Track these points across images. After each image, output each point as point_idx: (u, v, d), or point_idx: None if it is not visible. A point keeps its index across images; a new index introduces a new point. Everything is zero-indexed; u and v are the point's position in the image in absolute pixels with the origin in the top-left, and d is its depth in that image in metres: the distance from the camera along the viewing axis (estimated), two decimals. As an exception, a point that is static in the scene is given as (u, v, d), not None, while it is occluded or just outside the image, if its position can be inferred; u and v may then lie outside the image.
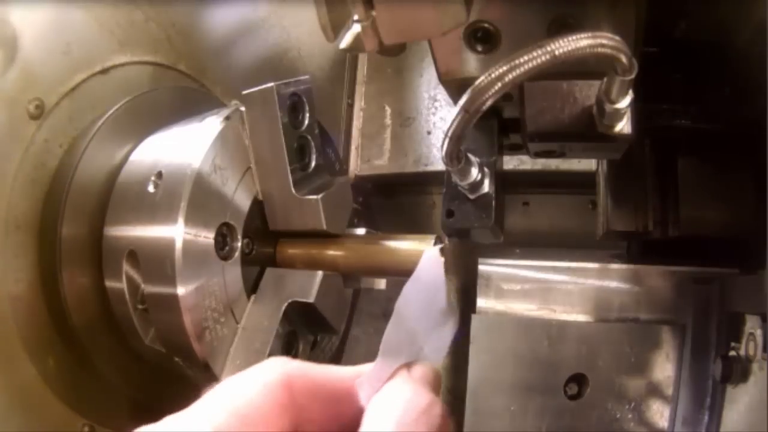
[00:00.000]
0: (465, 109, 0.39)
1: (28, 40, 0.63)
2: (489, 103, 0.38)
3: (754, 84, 0.57)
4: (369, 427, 0.30)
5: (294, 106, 0.66)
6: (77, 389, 0.67)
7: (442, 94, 1.22)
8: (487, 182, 0.56)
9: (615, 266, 0.86)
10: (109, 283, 0.66)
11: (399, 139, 1.24)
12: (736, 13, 0.58)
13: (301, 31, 1.07)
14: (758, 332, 0.65)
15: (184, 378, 0.65)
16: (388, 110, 1.26)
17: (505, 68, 0.36)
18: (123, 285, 0.64)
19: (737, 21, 0.59)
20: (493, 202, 0.56)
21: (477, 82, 0.37)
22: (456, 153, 0.46)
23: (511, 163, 1.08)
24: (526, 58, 0.35)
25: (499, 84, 0.36)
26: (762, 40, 0.51)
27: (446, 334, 0.35)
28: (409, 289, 0.34)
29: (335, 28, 0.39)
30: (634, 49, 0.44)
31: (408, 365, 0.33)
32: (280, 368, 0.32)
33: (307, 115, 0.68)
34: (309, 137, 0.68)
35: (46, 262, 0.64)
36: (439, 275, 0.34)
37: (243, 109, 0.65)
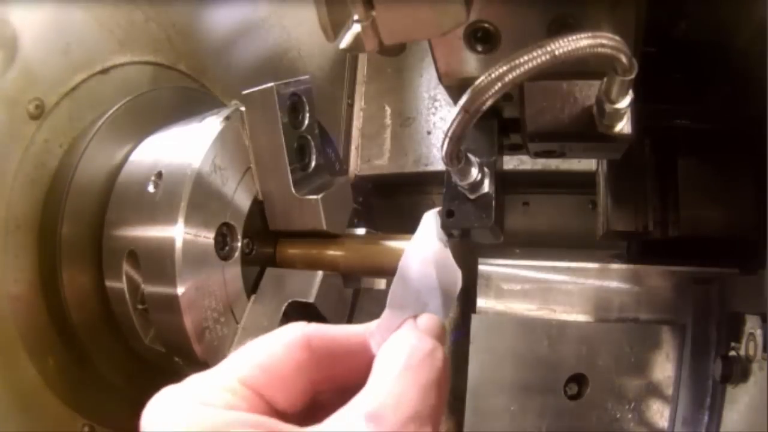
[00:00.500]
0: (465, 109, 0.38)
1: (28, 40, 0.63)
2: (489, 103, 0.38)
3: (754, 84, 0.57)
4: (378, 370, 0.32)
5: (294, 106, 0.66)
6: (77, 389, 0.67)
7: (442, 94, 1.22)
8: (487, 182, 0.56)
9: (615, 266, 0.86)
10: (109, 283, 0.66)
11: (399, 139, 1.24)
12: (736, 13, 0.58)
13: (301, 31, 1.07)
14: (758, 332, 0.65)
15: (183, 378, 0.64)
16: (388, 110, 1.26)
17: (505, 68, 0.36)
18: (123, 285, 0.64)
19: (737, 21, 0.59)
20: (493, 202, 0.56)
21: (477, 83, 0.37)
22: (456, 153, 0.46)
23: (511, 163, 1.08)
24: (526, 58, 0.35)
25: (499, 84, 0.36)
26: (762, 39, 0.51)
27: (451, 291, 0.37)
28: (410, 249, 0.37)
29: (335, 28, 0.39)
30: (634, 49, 0.44)
31: (414, 317, 0.36)
32: (299, 330, 0.35)
33: (307, 115, 0.68)
34: (309, 137, 0.68)
35: (46, 262, 0.64)
36: (437, 236, 0.37)
37: (243, 109, 0.65)
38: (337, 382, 0.35)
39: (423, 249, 0.37)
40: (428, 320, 0.36)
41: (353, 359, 0.35)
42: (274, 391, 0.32)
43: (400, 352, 0.33)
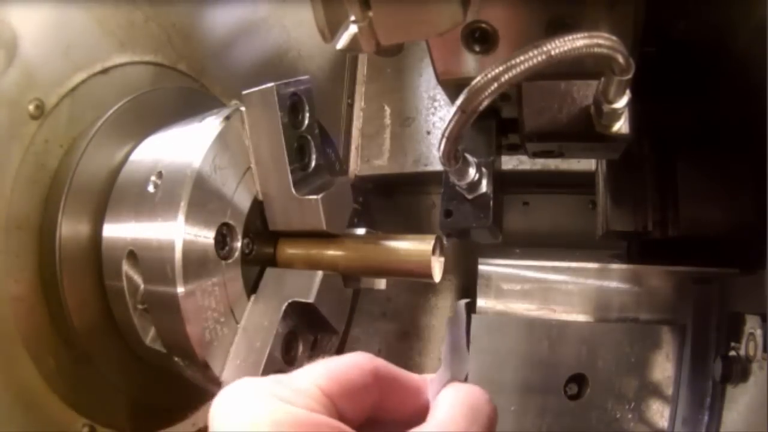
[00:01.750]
0: (462, 110, 0.39)
1: (28, 40, 0.63)
2: (485, 103, 0.38)
3: (753, 84, 0.57)
4: (444, 405, 0.36)
5: (294, 106, 0.66)
6: (77, 389, 0.67)
7: (441, 94, 1.22)
8: (485, 182, 0.56)
9: (615, 266, 0.87)
10: (109, 283, 0.66)
11: (398, 139, 1.24)
12: (735, 14, 0.58)
13: (301, 31, 1.07)
14: (758, 332, 0.65)
15: (184, 378, 0.65)
16: (388, 110, 1.26)
17: (501, 68, 0.36)
18: (123, 285, 0.64)
19: (736, 21, 0.59)
20: (491, 202, 0.56)
21: (473, 83, 0.37)
22: (453, 153, 0.46)
23: (510, 162, 1.08)
24: (522, 58, 0.35)
25: (496, 84, 0.36)
26: (761, 40, 0.51)
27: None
28: (457, 323, 0.40)
29: (332, 29, 0.39)
30: (632, 49, 0.44)
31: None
32: (371, 359, 0.38)
33: (307, 115, 0.68)
34: (309, 137, 0.68)
35: (47, 262, 0.64)
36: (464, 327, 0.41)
37: (243, 109, 0.65)
38: (391, 413, 0.38)
39: (461, 327, 0.40)
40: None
41: (409, 398, 0.39)
42: (345, 404, 0.35)
43: (465, 396, 0.36)
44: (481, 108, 0.38)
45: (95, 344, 0.67)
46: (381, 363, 0.38)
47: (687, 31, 0.64)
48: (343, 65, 1.26)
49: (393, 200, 1.32)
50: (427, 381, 0.40)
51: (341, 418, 0.34)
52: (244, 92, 0.65)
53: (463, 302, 0.40)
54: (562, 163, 1.09)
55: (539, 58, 0.35)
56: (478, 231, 0.60)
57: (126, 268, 0.64)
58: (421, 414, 0.37)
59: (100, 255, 0.66)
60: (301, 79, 0.67)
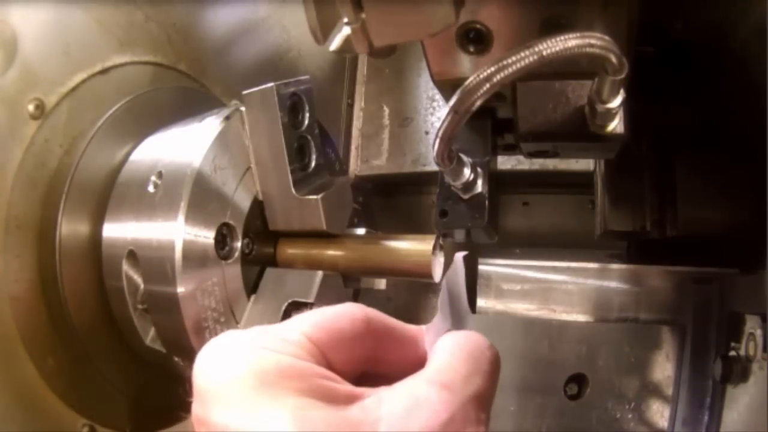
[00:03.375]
0: (454, 110, 0.39)
1: (28, 40, 0.63)
2: (478, 104, 0.38)
3: (752, 83, 0.57)
4: (444, 352, 0.34)
5: (294, 106, 0.66)
6: (77, 389, 0.67)
7: (440, 94, 1.22)
8: (480, 182, 0.56)
9: (615, 266, 0.86)
10: (109, 283, 0.66)
11: (397, 139, 1.24)
12: (732, 13, 0.58)
13: (301, 31, 1.07)
14: (758, 332, 0.65)
15: (184, 378, 0.64)
16: (387, 110, 1.26)
17: (493, 69, 0.36)
18: (123, 285, 0.64)
19: (733, 20, 0.59)
20: (486, 202, 0.55)
21: (466, 83, 0.37)
22: (447, 153, 0.46)
23: (509, 162, 1.08)
24: (514, 58, 0.35)
25: (488, 85, 0.36)
26: (758, 40, 0.51)
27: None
28: (455, 273, 0.39)
29: (325, 31, 0.39)
30: (627, 48, 0.44)
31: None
32: (361, 307, 0.36)
33: (307, 115, 0.68)
34: (309, 137, 0.68)
35: (46, 262, 0.64)
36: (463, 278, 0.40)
37: (243, 109, 0.65)
38: (384, 365, 0.37)
39: (459, 281, 0.39)
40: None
41: (403, 349, 0.37)
42: (335, 354, 0.33)
43: (464, 342, 0.35)
44: (473, 108, 0.38)
45: (95, 344, 0.67)
46: (374, 313, 0.36)
47: (684, 31, 0.64)
48: (343, 65, 1.26)
49: (393, 200, 1.32)
50: (423, 330, 0.38)
51: (330, 368, 0.33)
52: (244, 92, 0.65)
53: (461, 254, 0.39)
54: (562, 163, 1.09)
55: (531, 59, 0.35)
56: (474, 231, 0.60)
57: (126, 268, 0.64)
58: (418, 365, 0.35)
59: (99, 255, 0.66)
60: (301, 79, 0.67)
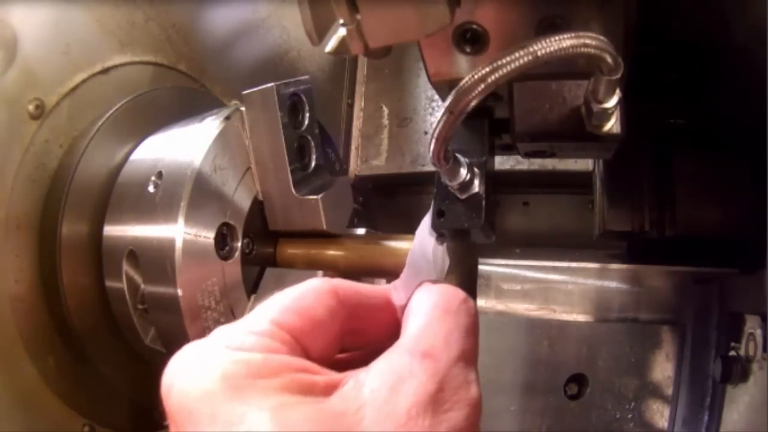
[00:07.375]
0: (449, 111, 0.39)
1: (28, 40, 0.63)
2: (473, 104, 0.38)
3: (751, 83, 0.57)
4: (418, 314, 0.33)
5: (294, 106, 0.66)
6: (77, 389, 0.67)
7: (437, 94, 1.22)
8: (476, 182, 0.56)
9: (615, 266, 0.86)
10: (109, 283, 0.66)
11: (396, 139, 1.24)
12: (730, 12, 0.58)
13: (301, 32, 1.05)
14: (758, 332, 0.65)
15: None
16: (386, 110, 1.26)
17: (487, 69, 0.36)
18: (123, 285, 0.64)
19: (732, 21, 0.59)
20: (483, 202, 0.55)
21: (460, 84, 0.37)
22: (443, 154, 0.46)
23: (509, 162, 1.08)
24: (508, 59, 0.35)
25: (482, 85, 0.36)
26: (758, 39, 0.51)
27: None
28: (423, 229, 0.41)
29: (320, 32, 0.39)
30: (624, 48, 0.44)
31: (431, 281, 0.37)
32: (326, 280, 0.34)
33: (307, 115, 0.68)
34: (309, 137, 0.68)
35: (46, 262, 0.64)
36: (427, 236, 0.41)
37: (243, 109, 0.65)
38: (362, 336, 0.36)
39: (429, 237, 0.40)
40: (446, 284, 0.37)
41: (377, 314, 0.36)
42: (309, 337, 0.31)
43: (438, 298, 0.33)
44: (468, 109, 0.38)
45: (95, 344, 0.67)
46: (339, 281, 0.35)
47: (683, 31, 0.64)
48: (343, 65, 1.26)
49: (393, 200, 1.32)
50: (391, 288, 0.37)
51: (306, 352, 0.31)
52: (244, 92, 0.65)
53: (428, 215, 0.41)
54: (561, 163, 1.09)
55: (526, 59, 0.35)
56: (471, 231, 0.60)
57: (126, 268, 0.64)
58: (393, 328, 0.34)
59: (100, 255, 0.66)
60: (301, 79, 0.67)
